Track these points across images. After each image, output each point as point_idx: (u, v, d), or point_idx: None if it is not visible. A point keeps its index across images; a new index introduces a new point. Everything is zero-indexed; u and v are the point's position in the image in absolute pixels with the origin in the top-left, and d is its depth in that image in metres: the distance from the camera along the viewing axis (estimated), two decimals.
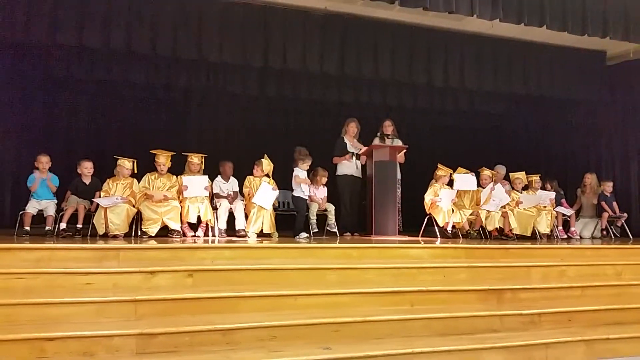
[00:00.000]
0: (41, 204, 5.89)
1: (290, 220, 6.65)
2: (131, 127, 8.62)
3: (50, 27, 6.12)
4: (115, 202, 5.72)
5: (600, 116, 8.90)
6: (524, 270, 5.32)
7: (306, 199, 6.62)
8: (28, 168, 6.16)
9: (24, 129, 7.77)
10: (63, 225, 5.75)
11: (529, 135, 10.39)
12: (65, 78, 7.77)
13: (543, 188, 7.50)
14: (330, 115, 9.18)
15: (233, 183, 6.64)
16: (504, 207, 6.92)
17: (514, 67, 8.00)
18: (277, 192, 6.34)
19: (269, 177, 6.48)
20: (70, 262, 4.30)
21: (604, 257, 5.82)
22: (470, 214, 6.92)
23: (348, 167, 7.34)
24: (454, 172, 7.02)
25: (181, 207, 5.99)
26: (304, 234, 6.30)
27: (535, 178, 7.46)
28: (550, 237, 7.12)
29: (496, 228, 6.85)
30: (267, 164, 6.45)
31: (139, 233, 5.85)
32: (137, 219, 5.89)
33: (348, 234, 7.10)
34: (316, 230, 6.57)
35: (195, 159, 6.35)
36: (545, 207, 7.14)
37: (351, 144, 7.42)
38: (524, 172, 7.38)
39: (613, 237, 7.69)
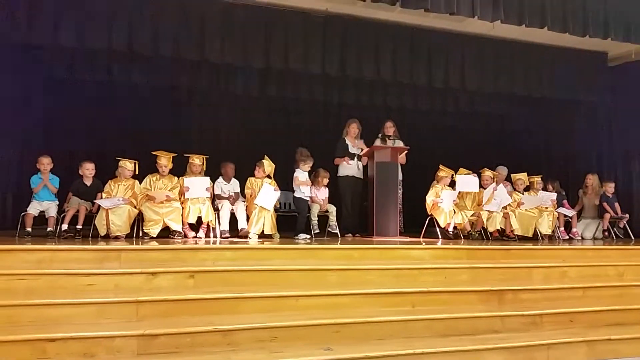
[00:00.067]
0: (43, 205, 5.90)
1: (291, 221, 6.66)
2: (132, 128, 8.60)
3: (52, 28, 6.12)
4: (116, 204, 5.73)
5: (602, 117, 8.90)
6: (526, 271, 5.32)
7: (307, 200, 6.62)
8: (29, 169, 6.17)
9: (25, 130, 7.77)
10: (64, 227, 5.76)
11: (530, 137, 10.38)
12: (67, 79, 7.79)
13: (545, 189, 7.49)
14: (331, 116, 9.19)
15: (234, 184, 6.64)
16: (505, 208, 6.92)
17: (515, 69, 8.00)
18: (278, 192, 6.34)
19: (270, 178, 6.49)
20: (71, 263, 4.31)
21: (606, 258, 5.82)
22: (472, 215, 6.92)
23: (349, 168, 7.34)
24: (456, 173, 7.02)
25: (182, 208, 5.99)
26: (302, 235, 6.31)
27: (537, 179, 7.45)
28: (551, 238, 7.11)
29: (497, 229, 6.85)
30: (268, 165, 6.45)
31: (141, 234, 5.85)
32: (138, 220, 5.89)
33: (349, 235, 7.10)
34: (317, 231, 6.57)
35: (197, 160, 6.35)
36: (546, 208, 7.13)
37: (352, 144, 7.43)
38: (525, 173, 7.37)
39: (615, 238, 7.68)
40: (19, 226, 5.81)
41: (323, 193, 6.85)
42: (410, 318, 4.38)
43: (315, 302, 4.38)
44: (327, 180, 6.89)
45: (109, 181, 6.09)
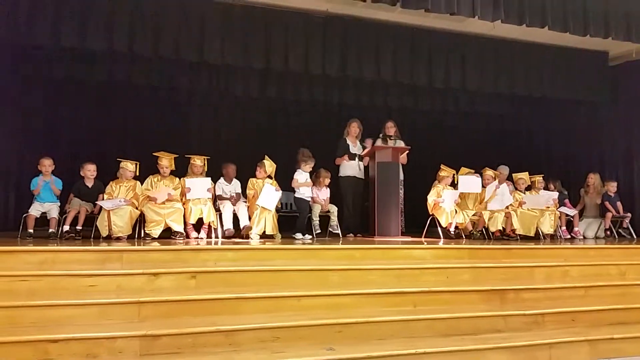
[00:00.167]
0: (44, 206, 5.90)
1: (293, 221, 6.65)
2: (134, 129, 8.64)
3: (53, 30, 6.13)
4: (118, 205, 5.73)
5: (603, 116, 8.88)
6: (527, 271, 5.32)
7: (308, 201, 6.62)
8: (31, 171, 6.18)
9: (26, 131, 7.79)
10: (66, 228, 5.77)
11: (531, 136, 10.38)
12: (68, 80, 7.79)
13: (546, 188, 7.49)
14: (331, 117, 9.19)
15: (236, 185, 6.65)
16: (507, 207, 6.91)
17: (515, 68, 7.98)
18: (280, 192, 6.33)
19: (271, 178, 6.49)
20: (73, 265, 4.32)
21: (608, 257, 5.82)
22: (473, 215, 6.91)
23: (351, 168, 7.34)
24: (457, 172, 7.02)
25: (184, 209, 6.00)
26: (299, 235, 6.33)
27: (538, 178, 7.45)
28: (553, 237, 7.09)
29: (499, 229, 6.85)
30: (269, 165, 6.45)
31: (142, 235, 5.85)
32: (140, 221, 5.90)
33: (351, 235, 7.10)
34: (319, 231, 6.58)
35: (198, 161, 6.36)
36: (548, 207, 7.13)
37: (354, 145, 7.43)
38: (526, 173, 7.37)
39: (617, 237, 7.67)
40: (20, 227, 5.82)
41: (324, 193, 6.85)
42: (412, 318, 4.37)
43: (317, 302, 4.38)
44: (329, 181, 6.89)
45: (111, 182, 6.10)
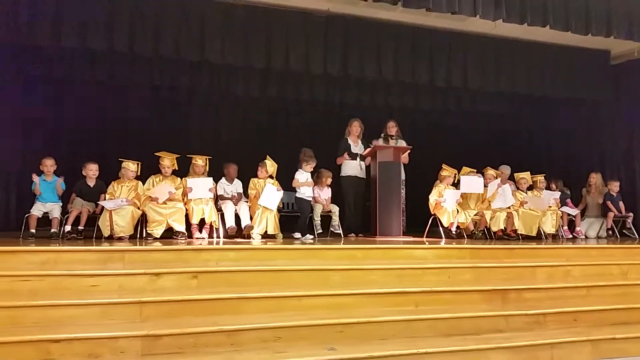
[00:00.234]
0: (46, 206, 5.90)
1: (294, 221, 6.66)
2: (135, 129, 8.64)
3: (53, 30, 6.12)
4: (120, 205, 5.74)
5: (605, 116, 8.86)
6: (529, 271, 5.32)
7: (309, 200, 6.62)
8: (33, 171, 6.16)
9: (28, 131, 7.79)
10: (68, 228, 5.77)
11: (532, 135, 10.36)
12: (69, 80, 7.79)
13: (548, 188, 7.48)
14: (333, 117, 9.17)
15: (237, 185, 6.65)
16: (508, 207, 6.90)
17: (517, 67, 7.97)
18: (281, 192, 6.34)
19: (272, 178, 6.49)
20: (75, 265, 4.32)
21: (610, 257, 5.81)
22: (475, 215, 6.91)
23: (352, 168, 7.34)
24: (459, 172, 7.01)
25: (186, 209, 6.00)
26: (298, 234, 6.33)
27: (540, 178, 7.44)
28: (555, 237, 7.09)
29: (501, 229, 6.84)
30: (270, 165, 6.45)
31: (144, 235, 5.86)
32: (142, 221, 5.90)
33: (352, 234, 7.09)
34: (320, 231, 6.57)
35: (200, 161, 6.36)
36: (550, 207, 7.12)
37: (355, 144, 7.42)
38: (528, 172, 7.35)
39: (619, 237, 7.66)
40: (22, 227, 5.83)
41: (326, 193, 6.85)
42: (413, 318, 4.37)
43: (318, 302, 4.39)
44: (331, 180, 6.89)
45: (112, 182, 6.10)
